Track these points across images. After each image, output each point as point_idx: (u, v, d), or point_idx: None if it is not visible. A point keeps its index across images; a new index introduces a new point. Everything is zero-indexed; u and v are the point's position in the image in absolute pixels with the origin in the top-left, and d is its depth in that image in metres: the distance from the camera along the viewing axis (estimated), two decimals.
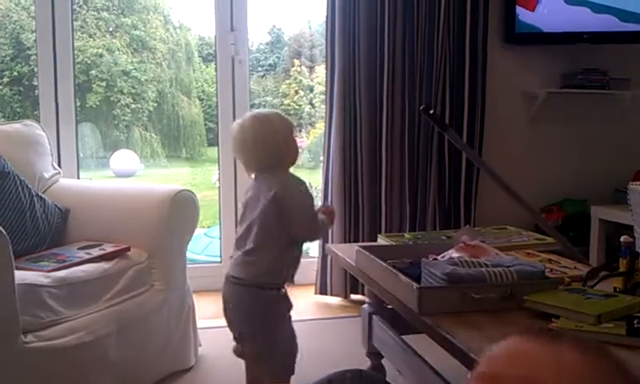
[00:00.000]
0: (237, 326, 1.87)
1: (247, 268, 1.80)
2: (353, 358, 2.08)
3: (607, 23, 3.30)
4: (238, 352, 1.92)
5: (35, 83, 3.31)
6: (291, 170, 1.92)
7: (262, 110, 1.92)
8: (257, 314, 1.82)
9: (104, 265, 1.98)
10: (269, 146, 1.81)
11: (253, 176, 1.90)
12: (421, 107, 2.33)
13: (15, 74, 4.74)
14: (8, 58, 4.70)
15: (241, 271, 1.81)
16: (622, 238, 1.65)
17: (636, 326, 1.30)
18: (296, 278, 2.23)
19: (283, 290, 1.86)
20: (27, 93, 4.71)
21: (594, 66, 3.34)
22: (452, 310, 1.45)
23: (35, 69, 3.14)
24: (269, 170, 1.83)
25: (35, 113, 3.29)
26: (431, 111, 2.19)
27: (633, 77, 3.40)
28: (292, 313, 1.92)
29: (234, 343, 1.90)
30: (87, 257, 1.99)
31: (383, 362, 2.11)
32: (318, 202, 3.19)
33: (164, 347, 2.14)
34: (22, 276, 1.67)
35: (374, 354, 2.11)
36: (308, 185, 1.90)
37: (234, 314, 1.87)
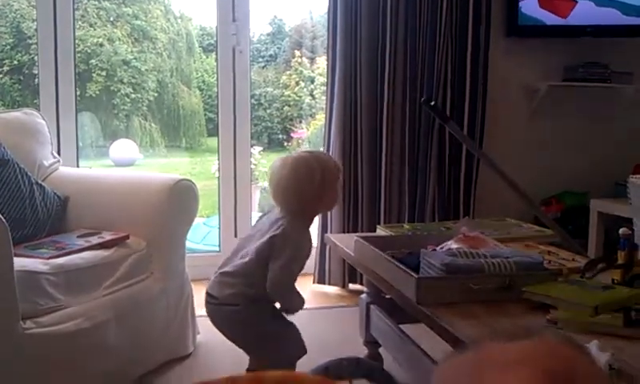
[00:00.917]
0: (230, 339, 1.88)
1: (221, 288, 1.80)
2: (350, 347, 2.09)
3: (610, 17, 3.29)
4: None
5: (35, 72, 3.30)
6: None
7: (309, 151, 1.89)
8: (239, 329, 1.83)
9: (103, 252, 1.99)
10: (300, 190, 1.77)
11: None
12: (422, 99, 2.33)
13: (15, 62, 4.74)
14: (8, 46, 4.70)
15: (215, 289, 1.82)
16: (621, 230, 1.66)
17: (633, 317, 1.31)
18: None
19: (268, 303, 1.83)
20: (27, 82, 4.71)
21: (596, 60, 3.34)
22: (450, 300, 1.45)
23: (35, 58, 3.14)
24: (293, 214, 1.79)
25: (35, 102, 3.29)
26: (432, 103, 2.19)
27: (635, 71, 3.39)
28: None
29: None
30: (86, 245, 2.00)
31: (380, 350, 2.11)
32: None
33: (163, 334, 2.15)
34: (20, 263, 1.67)
35: (372, 343, 2.12)
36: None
37: (222, 330, 1.88)
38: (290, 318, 1.90)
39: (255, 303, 1.79)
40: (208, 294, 1.86)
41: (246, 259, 1.79)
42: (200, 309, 2.40)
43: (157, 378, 2.09)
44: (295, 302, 1.86)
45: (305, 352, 1.86)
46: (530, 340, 0.65)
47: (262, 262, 1.76)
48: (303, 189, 1.76)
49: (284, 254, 1.74)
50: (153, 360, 2.13)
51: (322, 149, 3.20)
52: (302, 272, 3.14)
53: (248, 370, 1.93)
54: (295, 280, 1.85)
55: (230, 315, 1.81)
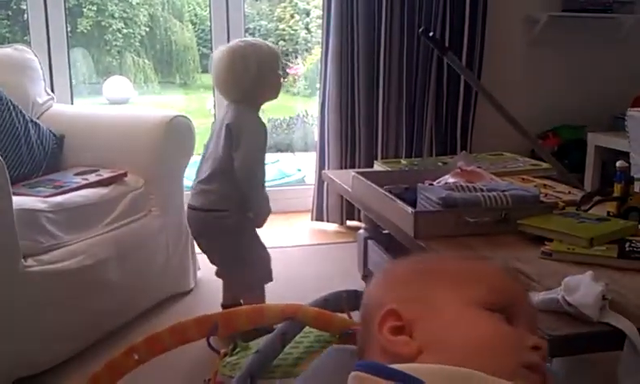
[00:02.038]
0: (206, 250, 1.92)
1: (205, 195, 1.83)
2: (348, 282, 2.12)
3: None
4: (218, 273, 1.98)
5: (24, 7, 3.21)
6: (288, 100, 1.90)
7: (244, 40, 1.90)
8: (217, 238, 1.86)
9: (101, 190, 1.99)
10: (238, 80, 1.81)
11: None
12: (420, 29, 2.29)
13: None
14: None
15: (198, 199, 1.85)
16: (618, 163, 1.66)
17: (627, 249, 1.33)
18: (292, 204, 2.26)
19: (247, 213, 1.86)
20: (16, 17, 4.58)
21: None
22: (447, 233, 1.47)
23: None
24: (238, 102, 1.83)
25: (25, 38, 3.22)
26: (430, 34, 2.15)
27: (637, 0, 3.32)
28: (288, 239, 1.94)
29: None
30: (84, 182, 2.00)
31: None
32: (315, 130, 3.17)
33: (163, 271, 2.18)
34: (19, 201, 1.67)
35: (370, 277, 2.15)
36: (303, 114, 1.88)
37: (199, 241, 1.91)
38: (284, 253, 1.93)
39: (236, 204, 1.81)
40: (190, 206, 1.88)
41: (214, 161, 1.82)
42: None
43: (158, 314, 2.12)
44: (264, 199, 1.86)
45: (271, 279, 1.91)
46: (480, 263, 0.69)
47: (227, 153, 1.79)
48: (240, 78, 1.81)
49: (242, 139, 1.78)
50: (154, 296, 2.16)
51: (318, 85, 3.16)
52: (300, 209, 3.22)
53: (223, 305, 1.97)
54: (262, 172, 1.86)
55: (214, 220, 1.83)
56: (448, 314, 0.60)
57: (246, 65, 1.80)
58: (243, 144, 1.77)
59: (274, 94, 1.91)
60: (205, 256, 1.98)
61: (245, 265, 1.88)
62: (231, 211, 1.81)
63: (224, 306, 1.97)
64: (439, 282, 0.64)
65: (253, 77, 1.80)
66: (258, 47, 1.85)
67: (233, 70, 1.81)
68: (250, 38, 1.93)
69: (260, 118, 1.87)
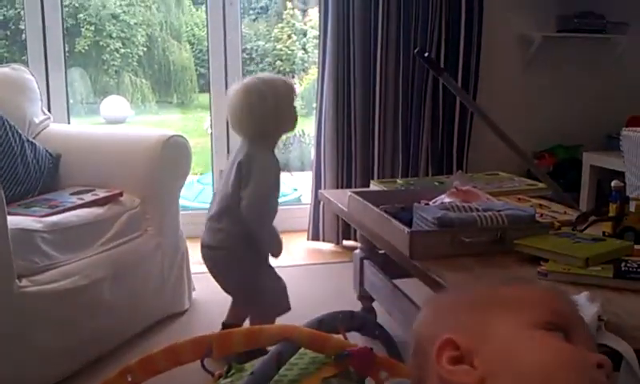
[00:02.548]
0: (221, 285, 1.91)
1: (213, 233, 1.84)
2: (344, 302, 2.12)
3: None
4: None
5: (22, 27, 3.23)
6: None
7: (259, 77, 1.87)
8: (229, 276, 1.86)
9: (97, 210, 1.98)
10: (255, 118, 1.80)
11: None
12: (415, 50, 2.30)
13: (1, 17, 4.63)
14: None
15: (208, 237, 1.85)
16: (613, 183, 1.67)
17: (623, 269, 1.32)
18: (288, 223, 2.26)
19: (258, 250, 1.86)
20: (14, 37, 4.61)
21: (591, 10, 3.30)
22: (443, 253, 1.46)
23: (22, 12, 3.06)
24: (253, 140, 1.83)
25: (23, 58, 3.23)
26: (426, 54, 2.16)
27: (630, 21, 3.35)
28: (284, 259, 1.94)
29: None
30: (80, 202, 1.99)
31: (374, 305, 2.14)
32: (311, 149, 3.18)
33: (159, 291, 2.17)
34: (14, 221, 1.67)
35: (365, 298, 2.15)
36: (299, 134, 1.89)
37: (214, 277, 1.91)
38: (280, 273, 1.93)
39: (244, 241, 1.81)
40: (201, 246, 1.89)
41: (223, 198, 1.82)
42: (195, 265, 2.42)
43: (153, 334, 2.11)
44: (273, 236, 1.86)
45: (287, 309, 1.89)
46: (531, 286, 0.68)
47: (236, 192, 1.78)
48: (257, 114, 1.79)
49: (252, 177, 1.77)
50: (149, 317, 2.15)
51: (314, 105, 3.17)
52: (297, 229, 3.21)
53: (224, 323, 1.96)
54: (272, 211, 1.84)
55: (223, 258, 1.84)
56: (508, 339, 0.59)
57: (263, 103, 1.79)
58: (252, 183, 1.76)
59: (290, 128, 1.91)
60: (200, 277, 1.97)
61: (257, 299, 1.87)
62: (239, 249, 1.81)
63: (225, 325, 1.97)
64: (494, 308, 0.63)
65: (270, 114, 1.80)
66: (273, 83, 1.84)
67: (250, 108, 1.79)
68: (265, 74, 1.93)
69: (273, 156, 1.85)
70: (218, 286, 2.04)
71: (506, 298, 0.65)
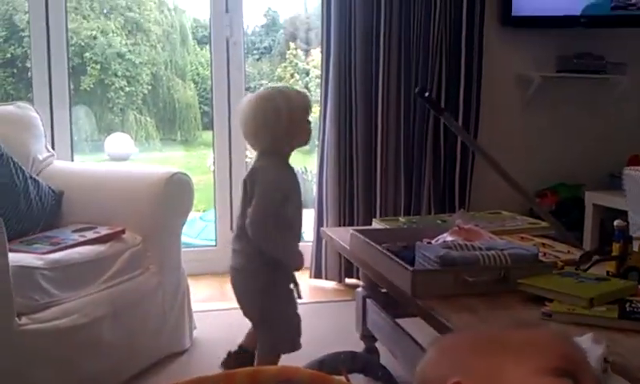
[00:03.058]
0: (241, 308, 1.89)
1: (234, 255, 1.82)
2: (347, 341, 2.09)
3: (604, 7, 3.29)
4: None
5: (28, 65, 3.28)
6: None
7: (273, 87, 1.84)
8: (246, 298, 1.83)
9: (98, 247, 1.98)
10: (267, 129, 1.74)
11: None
12: (416, 90, 2.33)
13: (8, 55, 4.70)
14: (1, 39, 4.66)
15: (233, 259, 1.83)
16: (616, 222, 1.66)
17: (628, 309, 1.31)
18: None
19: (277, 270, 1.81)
20: (20, 75, 4.67)
21: (590, 51, 3.34)
22: (445, 292, 1.45)
23: (28, 51, 3.11)
24: (265, 152, 1.79)
25: (29, 95, 3.27)
26: (426, 94, 2.18)
27: (629, 61, 3.39)
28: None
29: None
30: (81, 239, 1.99)
31: (377, 345, 2.12)
32: (313, 187, 3.19)
33: (159, 330, 2.15)
34: (15, 258, 1.67)
35: (368, 337, 2.13)
36: (302, 171, 1.87)
37: (237, 300, 1.88)
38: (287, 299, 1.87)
39: (261, 261, 1.75)
40: (230, 265, 1.85)
41: (238, 218, 1.79)
42: (196, 303, 2.41)
43: (153, 374, 2.08)
44: (288, 250, 1.78)
45: (294, 349, 1.82)
46: (539, 329, 0.67)
47: (244, 211, 1.75)
48: (271, 126, 1.73)
49: (255, 194, 1.72)
50: (150, 355, 2.13)
51: (317, 143, 3.19)
52: None
53: (240, 345, 1.93)
54: (284, 226, 1.75)
55: (242, 280, 1.80)
56: None
57: (277, 113, 1.73)
58: (254, 200, 1.71)
59: (303, 142, 1.85)
60: (201, 315, 1.96)
61: (271, 324, 1.82)
62: (256, 270, 1.76)
63: (240, 347, 1.94)
64: (502, 352, 0.62)
65: (284, 125, 1.73)
66: (287, 94, 1.79)
67: (264, 118, 1.73)
68: (279, 85, 1.90)
69: (283, 169, 1.79)
70: (220, 325, 2.03)
71: (515, 342, 0.64)
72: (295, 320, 1.88)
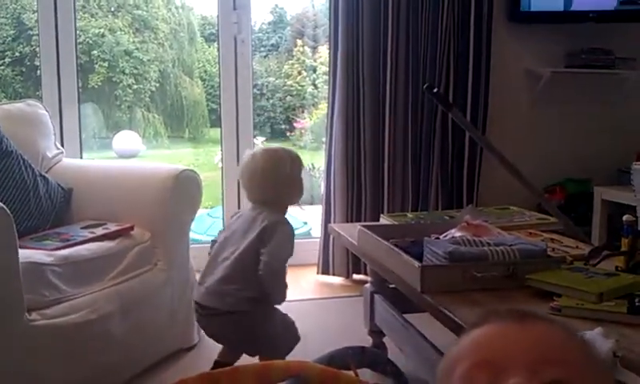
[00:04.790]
0: (228, 346, 1.89)
1: (222, 297, 1.78)
2: (355, 337, 2.10)
3: (613, 2, 3.27)
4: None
5: (37, 64, 3.30)
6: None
7: (273, 146, 1.98)
8: (244, 339, 1.82)
9: (107, 244, 1.99)
10: (275, 181, 1.85)
11: (249, 206, 1.91)
12: (424, 86, 2.32)
13: (17, 54, 4.73)
14: (10, 38, 4.69)
15: (216, 301, 1.79)
16: (625, 217, 1.65)
17: (637, 304, 1.31)
18: (298, 257, 2.26)
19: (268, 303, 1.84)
20: (29, 73, 4.70)
21: (600, 46, 3.32)
22: (454, 288, 1.45)
23: (37, 49, 3.13)
24: (268, 205, 1.86)
25: (37, 93, 3.29)
26: (435, 90, 2.18)
27: (638, 57, 3.37)
28: (294, 293, 1.92)
29: None
30: (91, 236, 2.00)
31: (385, 340, 2.12)
32: (321, 183, 3.19)
33: (167, 325, 2.16)
34: (25, 255, 1.68)
35: (376, 333, 2.13)
36: (309, 168, 1.94)
37: (220, 341, 1.89)
38: (289, 308, 1.91)
39: (260, 303, 1.79)
40: (201, 306, 1.82)
41: (238, 260, 1.78)
42: None
43: (162, 369, 2.09)
44: (284, 291, 1.85)
45: (299, 339, 1.90)
46: (471, 334, 0.65)
47: (256, 256, 1.77)
48: (277, 178, 1.85)
49: (274, 239, 1.78)
50: (158, 351, 2.14)
51: (324, 139, 3.19)
52: (306, 263, 3.20)
53: (217, 361, 1.91)
54: (285, 270, 1.85)
55: (239, 321, 1.79)
56: None
57: (283, 165, 1.86)
58: (274, 243, 1.77)
59: (299, 197, 1.96)
60: None
61: (268, 348, 1.84)
62: (251, 310, 1.79)
63: (216, 363, 1.91)
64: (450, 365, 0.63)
65: (288, 176, 1.86)
66: (288, 151, 1.94)
67: (270, 169, 1.85)
68: (276, 145, 2.02)
69: (291, 224, 1.89)
70: None
71: (454, 354, 0.64)
72: (287, 324, 1.90)
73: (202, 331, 2.34)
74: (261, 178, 1.85)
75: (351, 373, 0.90)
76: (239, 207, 3.30)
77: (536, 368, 0.57)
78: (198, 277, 2.33)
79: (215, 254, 1.87)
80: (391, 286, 1.96)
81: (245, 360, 1.87)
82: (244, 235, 1.81)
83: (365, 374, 0.90)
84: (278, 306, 1.89)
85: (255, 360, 1.86)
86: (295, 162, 1.89)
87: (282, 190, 1.87)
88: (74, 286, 1.80)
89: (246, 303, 1.77)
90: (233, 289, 1.77)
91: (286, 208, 1.93)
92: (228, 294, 1.77)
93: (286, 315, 1.91)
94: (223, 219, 3.40)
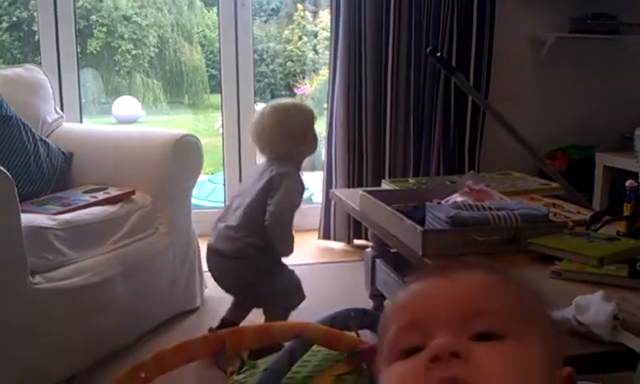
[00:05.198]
0: (232, 292, 1.93)
1: (229, 242, 1.86)
2: (356, 301, 2.11)
3: None
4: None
5: (35, 29, 3.25)
6: None
7: (283, 102, 2.03)
8: (247, 284, 1.88)
9: (109, 208, 1.99)
10: (284, 136, 1.88)
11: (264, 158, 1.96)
12: (428, 49, 2.30)
13: (14, 19, 4.67)
14: (7, 2, 4.62)
15: (223, 245, 1.87)
16: (627, 183, 1.65)
17: (638, 268, 1.31)
18: (299, 222, 2.28)
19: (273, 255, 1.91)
20: (27, 39, 4.65)
21: (604, 11, 3.27)
22: (455, 252, 1.46)
23: (35, 14, 3.09)
24: (281, 159, 1.90)
25: (36, 59, 3.25)
26: (438, 54, 2.16)
27: None
28: (295, 258, 1.96)
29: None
30: (92, 200, 2.00)
31: (385, 303, 2.14)
32: (322, 149, 3.18)
33: (170, 289, 2.18)
34: (28, 219, 1.68)
35: (377, 296, 2.15)
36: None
37: (224, 285, 1.92)
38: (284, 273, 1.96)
39: (267, 253, 1.86)
40: (214, 249, 1.90)
41: (246, 209, 1.85)
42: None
43: (165, 331, 2.12)
44: (290, 242, 1.92)
45: (304, 298, 1.95)
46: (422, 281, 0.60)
47: (263, 206, 1.84)
48: (288, 133, 1.88)
49: (280, 189, 1.83)
50: (162, 313, 2.16)
51: (325, 105, 3.17)
52: (308, 228, 3.21)
53: (224, 319, 1.98)
54: (291, 222, 1.91)
55: (245, 267, 1.85)
56: None
57: (293, 120, 1.88)
58: (280, 192, 1.83)
59: (313, 151, 1.99)
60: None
61: (273, 301, 1.91)
62: (257, 256, 1.86)
63: (224, 321, 1.98)
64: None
65: (298, 131, 1.89)
66: (298, 106, 1.98)
67: (279, 124, 1.88)
68: (287, 100, 2.04)
69: (300, 177, 1.93)
70: None
71: (386, 316, 0.60)
72: (293, 280, 1.96)
73: (205, 293, 2.37)
74: (269, 134, 1.89)
75: (353, 334, 0.91)
76: (240, 173, 3.30)
77: (463, 322, 0.53)
78: (200, 241, 2.36)
79: (230, 203, 1.96)
80: (392, 250, 1.97)
81: (251, 322, 1.88)
82: (253, 186, 1.88)
83: (366, 334, 0.90)
84: (285, 263, 1.95)
85: (262, 320, 1.88)
86: (305, 117, 1.92)
87: (292, 145, 1.90)
88: (76, 250, 1.81)
89: (251, 250, 1.84)
90: (240, 236, 1.84)
91: (300, 162, 1.96)
92: (236, 240, 1.84)
93: (292, 272, 1.97)
94: (224, 185, 3.40)
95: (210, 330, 1.90)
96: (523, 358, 0.51)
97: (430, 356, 0.50)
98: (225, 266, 1.89)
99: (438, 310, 0.55)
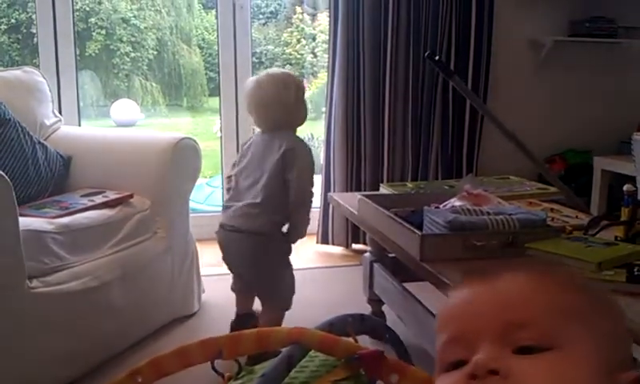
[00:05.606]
0: (240, 270, 1.93)
1: (250, 219, 1.85)
2: (354, 305, 2.10)
3: None
4: (236, 288, 2.01)
5: (33, 31, 3.25)
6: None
7: (277, 70, 2.00)
8: (260, 261, 1.86)
9: (107, 212, 1.99)
10: (283, 106, 1.88)
11: (259, 131, 1.97)
12: (426, 53, 2.30)
13: (13, 21, 4.66)
14: (5, 5, 4.61)
15: (243, 222, 1.85)
16: (625, 187, 1.65)
17: (636, 273, 1.31)
18: None
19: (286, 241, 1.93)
20: (25, 41, 4.64)
21: (603, 14, 3.28)
22: (454, 257, 1.46)
23: (33, 16, 3.08)
24: (279, 129, 1.90)
25: (34, 61, 3.25)
26: (436, 57, 2.16)
27: None
28: (293, 262, 1.97)
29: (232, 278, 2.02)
30: (90, 204, 2.00)
31: (384, 308, 2.14)
32: (320, 153, 3.18)
33: (168, 293, 2.17)
34: (25, 222, 1.67)
35: (375, 301, 2.14)
36: (309, 138, 1.98)
37: (235, 261, 1.91)
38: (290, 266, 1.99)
39: (280, 230, 1.88)
40: (225, 226, 1.89)
41: (265, 187, 1.85)
42: (205, 268, 2.43)
43: (162, 336, 2.11)
44: (307, 224, 1.95)
45: (294, 293, 1.98)
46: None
47: (280, 180, 1.85)
48: (285, 101, 1.89)
49: (298, 162, 1.85)
50: (159, 318, 2.15)
51: (324, 109, 3.17)
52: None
53: (239, 314, 2.02)
54: (313, 172, 1.94)
55: (260, 244, 1.85)
56: None
57: (289, 88, 1.89)
58: (299, 165, 1.84)
59: (304, 119, 1.99)
60: (210, 279, 1.98)
61: (276, 288, 1.94)
62: (275, 236, 1.88)
63: (239, 315, 2.01)
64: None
65: (293, 104, 1.90)
66: (292, 76, 1.97)
67: (277, 93, 1.88)
68: (280, 70, 2.03)
69: (307, 144, 1.95)
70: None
71: (437, 319, 0.61)
72: (293, 281, 1.99)
73: (202, 299, 2.37)
74: (270, 106, 1.89)
75: (351, 339, 0.91)
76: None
77: (505, 334, 0.52)
78: (198, 245, 2.35)
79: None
80: (390, 255, 1.96)
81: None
82: (264, 161, 1.87)
83: (364, 340, 0.90)
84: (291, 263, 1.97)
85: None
86: (300, 86, 1.94)
87: (290, 114, 1.91)
88: (74, 254, 1.80)
89: (273, 227, 1.86)
90: (262, 212, 1.84)
91: (295, 131, 1.98)
92: (258, 216, 1.84)
93: (293, 275, 1.99)
94: (222, 188, 3.40)
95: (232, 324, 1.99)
96: (570, 369, 0.50)
97: (468, 373, 0.51)
98: (239, 239, 1.86)
99: (480, 322, 0.54)
